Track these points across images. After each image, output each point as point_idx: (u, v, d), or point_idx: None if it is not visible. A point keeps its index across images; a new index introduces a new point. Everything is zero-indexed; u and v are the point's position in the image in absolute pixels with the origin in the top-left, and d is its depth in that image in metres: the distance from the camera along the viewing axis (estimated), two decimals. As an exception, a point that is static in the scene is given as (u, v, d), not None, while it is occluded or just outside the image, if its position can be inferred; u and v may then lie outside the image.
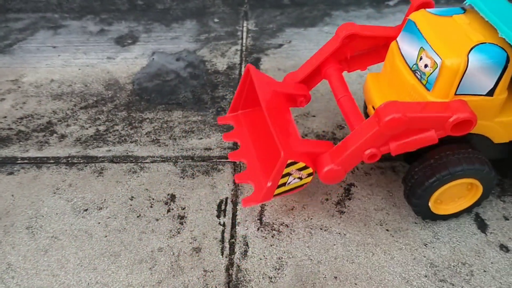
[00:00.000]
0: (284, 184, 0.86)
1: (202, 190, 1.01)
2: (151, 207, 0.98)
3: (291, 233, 0.93)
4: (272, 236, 0.93)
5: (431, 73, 0.78)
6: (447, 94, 0.78)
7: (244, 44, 1.43)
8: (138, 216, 0.96)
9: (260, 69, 1.33)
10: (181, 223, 0.95)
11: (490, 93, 0.79)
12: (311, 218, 0.96)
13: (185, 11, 1.59)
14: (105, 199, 1.00)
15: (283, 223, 0.95)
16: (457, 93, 0.78)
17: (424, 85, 0.80)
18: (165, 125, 1.17)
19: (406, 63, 0.84)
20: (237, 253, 0.90)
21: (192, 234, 0.93)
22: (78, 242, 0.92)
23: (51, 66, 1.37)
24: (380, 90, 0.90)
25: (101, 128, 1.16)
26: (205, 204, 0.98)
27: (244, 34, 1.48)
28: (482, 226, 0.94)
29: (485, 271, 0.87)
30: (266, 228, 0.94)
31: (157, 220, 0.96)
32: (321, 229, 0.94)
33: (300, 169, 0.84)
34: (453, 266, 0.88)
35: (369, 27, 0.97)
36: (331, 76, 0.97)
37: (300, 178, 0.86)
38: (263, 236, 0.93)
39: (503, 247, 0.90)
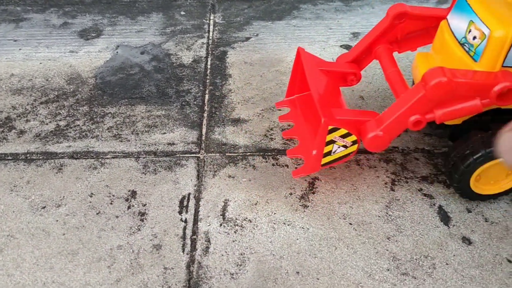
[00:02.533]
0: (329, 153, 0.88)
1: (164, 186, 0.99)
2: (111, 203, 0.96)
3: (254, 228, 0.92)
4: (235, 232, 0.91)
5: (479, 44, 0.79)
6: (494, 65, 0.79)
7: (210, 37, 1.41)
8: (97, 213, 0.94)
9: (226, 63, 1.31)
10: (142, 220, 0.93)
11: None
12: (275, 213, 0.94)
13: (151, 4, 1.56)
14: (64, 196, 0.97)
15: (246, 218, 0.94)
16: (504, 65, 0.79)
17: (472, 57, 0.82)
18: (128, 119, 1.14)
19: (455, 37, 0.86)
20: (198, 250, 0.88)
21: (152, 231, 0.91)
22: (35, 241, 0.90)
23: (11, 60, 1.33)
24: (428, 68, 0.90)
25: (62, 123, 1.13)
26: (167, 200, 0.96)
27: (211, 27, 1.46)
28: (445, 218, 0.94)
29: (447, 263, 0.87)
30: (229, 224, 0.92)
31: (117, 217, 0.93)
32: (284, 223, 0.93)
33: (344, 136, 0.86)
34: (416, 259, 0.87)
35: (419, 7, 0.99)
36: (381, 55, 0.99)
37: (345, 146, 0.88)
38: (226, 232, 0.91)
39: (466, 240, 0.90)
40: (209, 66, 1.30)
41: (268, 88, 1.23)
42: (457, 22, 0.86)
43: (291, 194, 0.98)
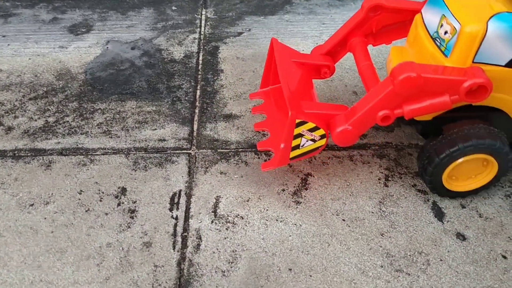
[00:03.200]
0: (298, 147, 0.87)
1: (154, 183, 0.97)
2: (101, 201, 0.94)
3: (246, 225, 0.90)
4: (227, 229, 0.90)
5: (450, 39, 0.78)
6: (464, 61, 0.78)
7: (202, 33, 1.40)
8: (86, 211, 0.92)
9: (218, 58, 1.30)
10: (132, 217, 0.91)
11: (509, 64, 0.78)
12: (267, 210, 0.93)
13: (142, -1, 1.54)
14: (52, 193, 0.95)
15: (238, 215, 0.92)
16: (475, 61, 0.78)
17: (443, 52, 0.80)
18: (118, 115, 1.12)
19: (428, 32, 0.84)
20: (189, 247, 0.87)
21: (143, 228, 0.90)
22: (22, 239, 0.88)
23: (-1, 56, 1.31)
24: (398, 59, 0.89)
25: (51, 119, 1.11)
26: (158, 197, 0.95)
27: (203, 22, 1.44)
28: (439, 214, 0.93)
29: (441, 260, 0.86)
30: (220, 221, 0.91)
31: (106, 214, 0.92)
32: (276, 220, 0.91)
33: (311, 130, 0.85)
34: (410, 255, 0.86)
35: (396, 0, 0.97)
36: (355, 48, 0.98)
37: (314, 140, 0.86)
38: (217, 229, 0.90)
39: (460, 236, 0.89)
40: (200, 62, 1.29)
41: (261, 83, 1.21)
42: (430, 16, 0.84)
43: (283, 190, 0.96)
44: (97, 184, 0.97)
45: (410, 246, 0.88)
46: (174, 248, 0.87)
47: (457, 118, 0.87)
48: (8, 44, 1.36)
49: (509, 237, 0.89)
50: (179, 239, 0.88)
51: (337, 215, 0.92)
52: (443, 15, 0.80)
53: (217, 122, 1.11)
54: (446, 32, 0.79)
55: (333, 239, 0.88)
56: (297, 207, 0.93)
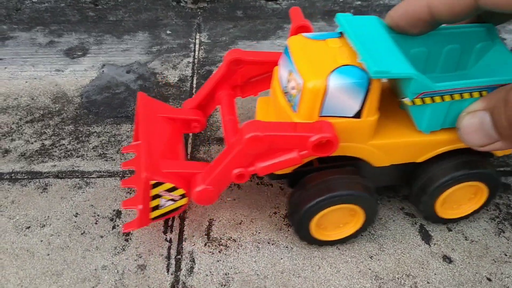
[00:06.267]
0: (158, 207, 0.85)
1: (149, 206, 0.99)
2: (96, 223, 0.96)
3: (238, 248, 0.93)
4: (220, 251, 0.92)
5: (296, 95, 0.77)
6: (311, 116, 0.77)
7: (196, 57, 1.43)
8: (82, 233, 0.94)
9: (211, 82, 1.33)
10: (127, 240, 0.93)
11: (358, 115, 0.77)
12: (259, 232, 0.95)
13: (137, 23, 1.57)
14: (48, 216, 0.97)
15: (231, 237, 0.94)
16: (322, 114, 0.77)
17: (292, 107, 0.79)
18: (113, 138, 1.15)
19: (281, 86, 0.83)
20: (183, 270, 0.89)
21: (137, 251, 0.91)
22: (19, 261, 0.89)
23: (-4, 79, 1.34)
24: (266, 114, 0.90)
25: (47, 142, 1.14)
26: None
27: (197, 46, 1.47)
28: (426, 237, 0.95)
29: (428, 282, 0.88)
30: (213, 243, 0.93)
31: (101, 237, 0.94)
32: (268, 243, 0.94)
33: (170, 190, 0.83)
34: (398, 278, 0.89)
35: (256, 53, 0.97)
36: (222, 101, 0.97)
37: (174, 200, 0.85)
38: (210, 252, 0.92)
39: (446, 258, 0.92)
40: (194, 85, 1.32)
41: (253, 107, 1.23)
42: (282, 70, 0.83)
43: (275, 213, 0.99)
44: (93, 207, 0.99)
45: (398, 268, 0.90)
46: (168, 271, 0.89)
47: (322, 168, 0.88)
48: (5, 67, 1.38)
49: (493, 260, 0.92)
50: (173, 261, 0.90)
51: (327, 238, 0.95)
52: (290, 70, 0.79)
53: (210, 145, 1.13)
54: (293, 88, 0.78)
55: (324, 262, 0.91)
56: (288, 230, 0.96)
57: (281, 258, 0.91)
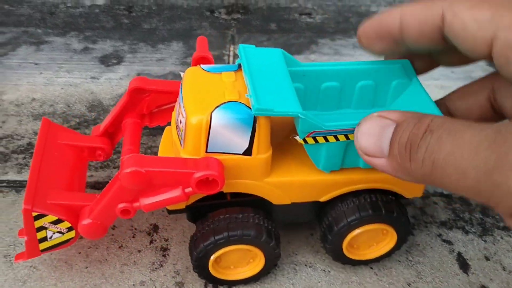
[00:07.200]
0: (45, 239, 0.81)
1: (185, 221, 0.99)
2: (133, 237, 0.96)
3: (275, 269, 0.92)
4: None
5: (183, 130, 0.75)
6: (197, 151, 0.74)
7: (230, 69, 1.43)
8: (120, 247, 0.95)
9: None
10: (164, 256, 0.93)
11: (248, 152, 0.75)
12: (296, 254, 0.95)
13: (171, 32, 1.58)
14: (86, 228, 0.98)
15: (268, 257, 0.94)
16: (209, 150, 0.74)
17: (180, 141, 0.77)
18: (149, 150, 1.15)
19: (176, 118, 0.81)
20: (220, 289, 0.89)
21: (175, 268, 0.92)
22: (57, 273, 0.90)
23: (32, 84, 1.35)
24: (168, 145, 0.86)
25: (84, 151, 1.14)
26: (189, 236, 0.96)
27: (231, 58, 1.48)
28: (464, 266, 0.95)
29: (467, 313, 0.87)
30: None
31: (139, 251, 0.94)
32: (305, 265, 0.93)
33: (55, 223, 0.79)
34: (436, 307, 0.88)
35: (161, 81, 0.93)
36: (126, 130, 0.93)
37: (61, 233, 0.81)
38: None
39: (485, 289, 0.91)
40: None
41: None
42: (177, 102, 0.80)
43: (312, 234, 0.99)
44: (130, 220, 0.99)
45: (436, 297, 0.89)
46: (205, 290, 0.89)
47: (221, 204, 0.84)
48: (41, 73, 1.39)
49: (533, 293, 0.91)
50: (210, 280, 0.90)
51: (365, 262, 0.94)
52: (180, 103, 0.77)
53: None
54: (181, 122, 0.76)
55: (361, 287, 0.90)
56: (325, 253, 0.95)
57: (319, 282, 0.91)
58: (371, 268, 0.93)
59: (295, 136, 0.74)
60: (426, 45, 0.70)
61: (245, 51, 0.79)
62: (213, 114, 0.71)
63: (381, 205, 0.84)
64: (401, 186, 0.84)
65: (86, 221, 0.79)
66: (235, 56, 1.48)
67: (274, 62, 0.78)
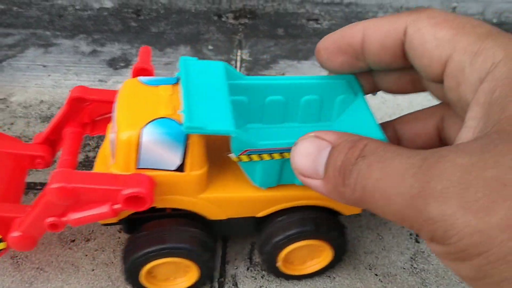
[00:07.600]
0: None
1: (192, 225, 1.00)
2: (140, 241, 0.97)
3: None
4: (262, 277, 0.92)
5: (114, 144, 0.73)
6: (127, 167, 0.72)
7: (237, 74, 1.43)
8: (126, 250, 0.95)
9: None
10: (170, 259, 0.94)
11: (180, 168, 0.73)
12: (301, 259, 0.95)
13: (179, 36, 1.59)
14: (93, 230, 0.98)
15: (273, 263, 0.94)
16: (139, 166, 0.72)
17: (112, 156, 0.75)
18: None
19: (110, 132, 0.79)
20: (226, 293, 0.89)
21: (181, 272, 0.92)
22: (64, 275, 0.91)
23: (41, 86, 1.36)
24: (103, 156, 0.84)
25: (91, 154, 1.15)
26: (195, 240, 0.97)
27: (238, 63, 1.48)
28: (469, 274, 0.95)
29: (471, 321, 0.87)
30: (256, 268, 0.94)
31: (145, 255, 0.94)
32: (310, 271, 0.94)
33: None
34: (441, 315, 0.88)
35: (102, 91, 0.92)
36: (65, 139, 0.92)
37: None
38: (253, 277, 0.92)
39: (490, 297, 0.91)
40: None
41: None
42: (113, 114, 0.78)
43: (317, 240, 0.99)
44: (136, 224, 1.00)
45: (441, 305, 0.90)
46: (211, 294, 0.89)
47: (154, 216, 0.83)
48: (49, 75, 1.40)
49: (538, 302, 0.91)
50: (215, 284, 0.91)
51: (369, 269, 0.94)
52: (113, 117, 0.75)
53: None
54: (113, 136, 0.74)
55: (366, 294, 0.91)
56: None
57: (324, 288, 0.91)
58: (376, 275, 0.94)
59: (228, 154, 0.73)
60: (387, 60, 0.69)
61: (186, 63, 0.77)
62: (144, 130, 0.70)
63: (318, 222, 0.83)
64: (338, 203, 0.84)
65: (15, 234, 0.78)
66: (242, 61, 1.49)
67: (214, 75, 0.76)
